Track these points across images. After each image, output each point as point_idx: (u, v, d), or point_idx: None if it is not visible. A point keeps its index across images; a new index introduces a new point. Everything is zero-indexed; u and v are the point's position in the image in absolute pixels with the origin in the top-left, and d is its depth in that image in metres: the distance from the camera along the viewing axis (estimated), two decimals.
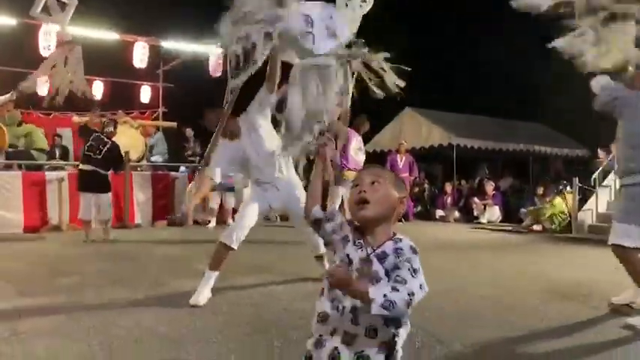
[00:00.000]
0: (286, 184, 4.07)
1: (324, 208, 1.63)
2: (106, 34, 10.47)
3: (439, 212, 12.21)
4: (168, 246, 6.75)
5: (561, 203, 9.67)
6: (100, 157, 7.07)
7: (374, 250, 1.47)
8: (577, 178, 9.24)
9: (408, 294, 1.32)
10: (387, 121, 14.53)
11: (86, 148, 7.15)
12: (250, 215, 3.97)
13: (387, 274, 1.42)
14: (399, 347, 1.46)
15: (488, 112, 14.84)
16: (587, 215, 9.28)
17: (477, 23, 17.26)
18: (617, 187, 4.44)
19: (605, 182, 9.42)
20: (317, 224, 1.61)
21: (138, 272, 4.98)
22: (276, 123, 3.87)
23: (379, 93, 2.72)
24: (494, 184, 12.05)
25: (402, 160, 11.09)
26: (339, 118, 4.78)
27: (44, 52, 9.53)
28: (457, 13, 18.14)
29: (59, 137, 11.23)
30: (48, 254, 6.11)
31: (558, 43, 3.42)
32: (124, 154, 7.86)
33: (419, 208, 12.61)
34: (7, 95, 9.07)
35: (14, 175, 8.48)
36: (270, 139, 3.98)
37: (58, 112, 12.44)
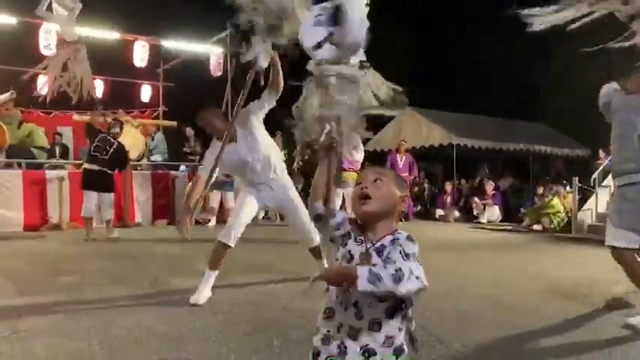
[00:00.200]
0: (280, 185, 4.09)
1: (326, 204, 1.65)
2: (107, 33, 10.48)
3: (439, 212, 12.20)
4: (168, 245, 6.75)
5: (558, 203, 9.68)
6: (107, 157, 7.22)
7: (373, 245, 1.50)
8: (577, 178, 9.25)
9: (395, 270, 1.34)
10: (388, 120, 14.52)
11: (92, 148, 7.27)
12: (246, 213, 3.97)
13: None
14: (403, 340, 1.48)
15: (488, 111, 14.83)
16: (587, 215, 9.28)
17: (476, 23, 17.26)
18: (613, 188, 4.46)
19: (605, 182, 9.42)
20: (318, 219, 1.65)
21: (138, 271, 4.98)
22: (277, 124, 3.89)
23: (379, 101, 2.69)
24: (494, 184, 12.05)
25: (402, 160, 11.09)
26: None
27: (44, 51, 9.54)
28: (457, 13, 18.15)
29: (59, 136, 11.24)
30: (48, 253, 6.11)
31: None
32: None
33: (419, 207, 12.61)
34: (7, 94, 9.08)
35: (14, 174, 8.49)
36: (266, 142, 4.01)
37: (59, 110, 12.44)
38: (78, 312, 3.45)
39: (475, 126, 13.78)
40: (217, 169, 3.95)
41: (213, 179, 4.06)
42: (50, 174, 8.68)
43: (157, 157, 11.26)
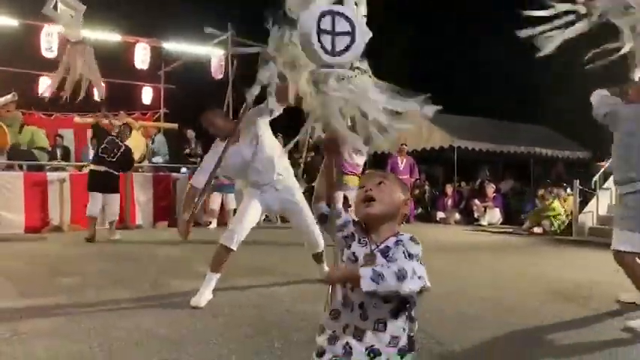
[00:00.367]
0: (285, 186, 4.08)
1: (329, 205, 1.67)
2: (108, 35, 10.50)
3: (440, 214, 12.19)
4: (169, 247, 6.75)
5: (559, 206, 9.68)
6: (114, 160, 7.36)
7: (377, 246, 1.52)
8: (578, 181, 9.24)
9: (398, 269, 1.36)
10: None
11: (100, 150, 7.39)
12: (250, 217, 3.96)
13: None
14: (407, 339, 1.50)
15: (488, 112, 14.82)
16: (588, 217, 9.27)
17: (476, 23, 17.26)
18: (617, 194, 4.53)
19: (606, 185, 9.41)
20: (322, 219, 1.68)
21: (139, 273, 4.99)
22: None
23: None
24: (495, 187, 12.04)
25: (402, 163, 11.09)
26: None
27: (46, 53, 9.56)
28: (457, 13, 18.16)
29: (60, 138, 11.23)
30: (49, 255, 6.12)
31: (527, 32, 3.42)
32: None
33: (419, 210, 12.60)
34: (9, 96, 9.09)
35: (16, 176, 8.50)
36: (271, 143, 4.01)
37: (60, 112, 12.45)
38: (78, 314, 3.45)
39: (476, 128, 13.78)
40: (218, 170, 3.95)
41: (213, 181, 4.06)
42: (51, 176, 8.69)
43: (158, 159, 11.28)
